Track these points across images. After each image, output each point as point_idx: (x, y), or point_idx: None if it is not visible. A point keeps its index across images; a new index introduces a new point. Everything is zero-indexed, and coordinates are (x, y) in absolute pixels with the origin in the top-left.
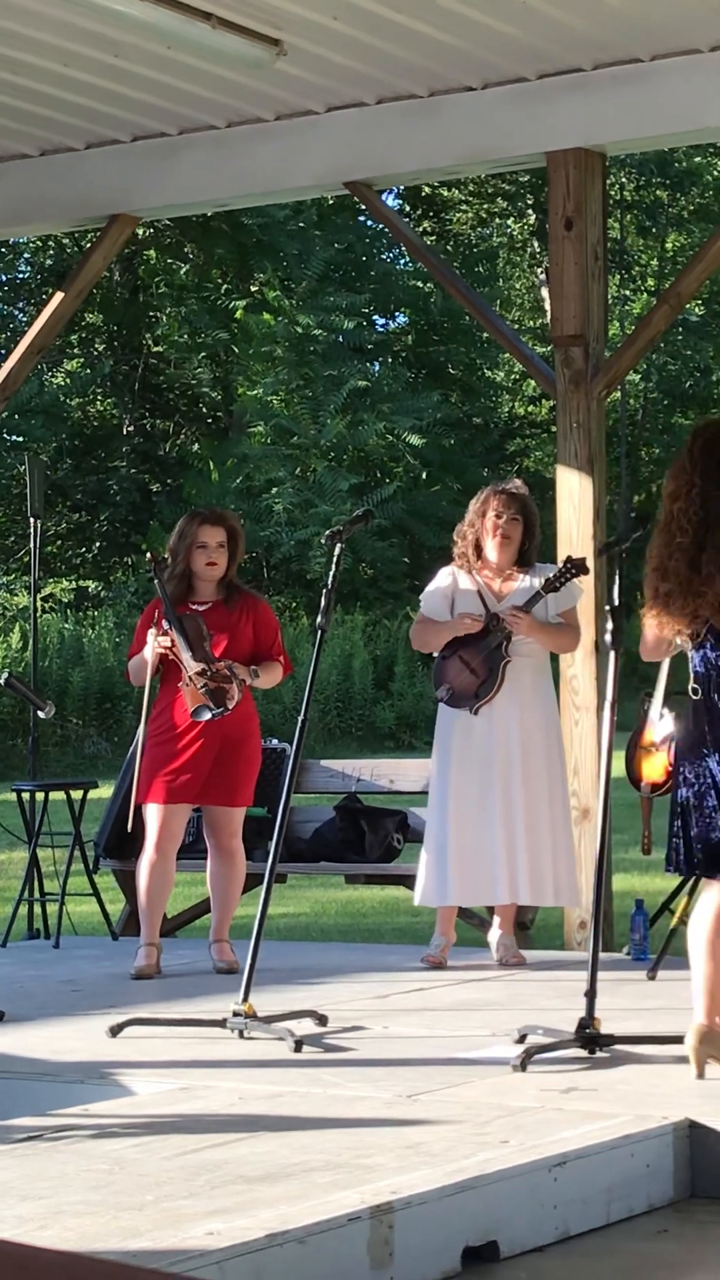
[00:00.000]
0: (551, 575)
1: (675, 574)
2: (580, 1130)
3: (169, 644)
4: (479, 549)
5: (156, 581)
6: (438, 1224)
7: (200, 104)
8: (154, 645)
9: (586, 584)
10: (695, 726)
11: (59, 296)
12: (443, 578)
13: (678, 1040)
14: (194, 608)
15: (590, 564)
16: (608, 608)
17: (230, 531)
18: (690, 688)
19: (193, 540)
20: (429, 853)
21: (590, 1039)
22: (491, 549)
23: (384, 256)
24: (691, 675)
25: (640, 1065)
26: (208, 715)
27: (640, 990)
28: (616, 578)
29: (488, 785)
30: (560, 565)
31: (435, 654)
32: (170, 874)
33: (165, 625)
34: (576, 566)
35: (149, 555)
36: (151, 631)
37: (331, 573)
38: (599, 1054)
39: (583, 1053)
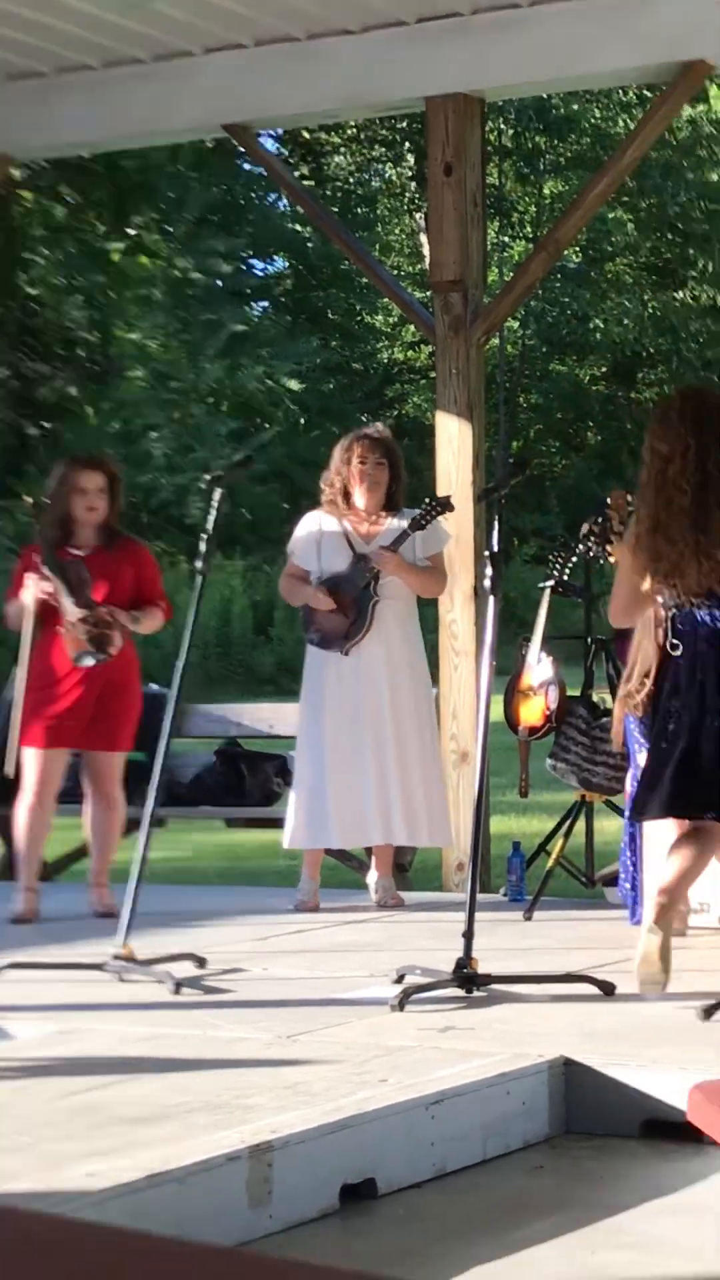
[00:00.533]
0: (417, 514)
1: (681, 537)
2: (457, 1069)
3: (50, 589)
4: (347, 495)
5: (37, 527)
6: (316, 1162)
7: (77, 44)
8: (33, 590)
9: (466, 530)
10: (674, 681)
11: None
12: (308, 523)
13: (554, 979)
14: (74, 553)
15: (470, 509)
16: (487, 553)
17: (109, 476)
18: (670, 643)
19: (71, 485)
20: (300, 796)
21: (467, 979)
22: (359, 494)
23: (263, 201)
24: (670, 632)
25: (517, 1004)
26: (90, 661)
27: (517, 931)
28: (495, 523)
29: (359, 727)
30: (424, 504)
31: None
32: (48, 819)
33: (45, 570)
34: (441, 504)
35: (29, 501)
36: (31, 577)
37: (211, 518)
38: (476, 993)
39: (460, 992)
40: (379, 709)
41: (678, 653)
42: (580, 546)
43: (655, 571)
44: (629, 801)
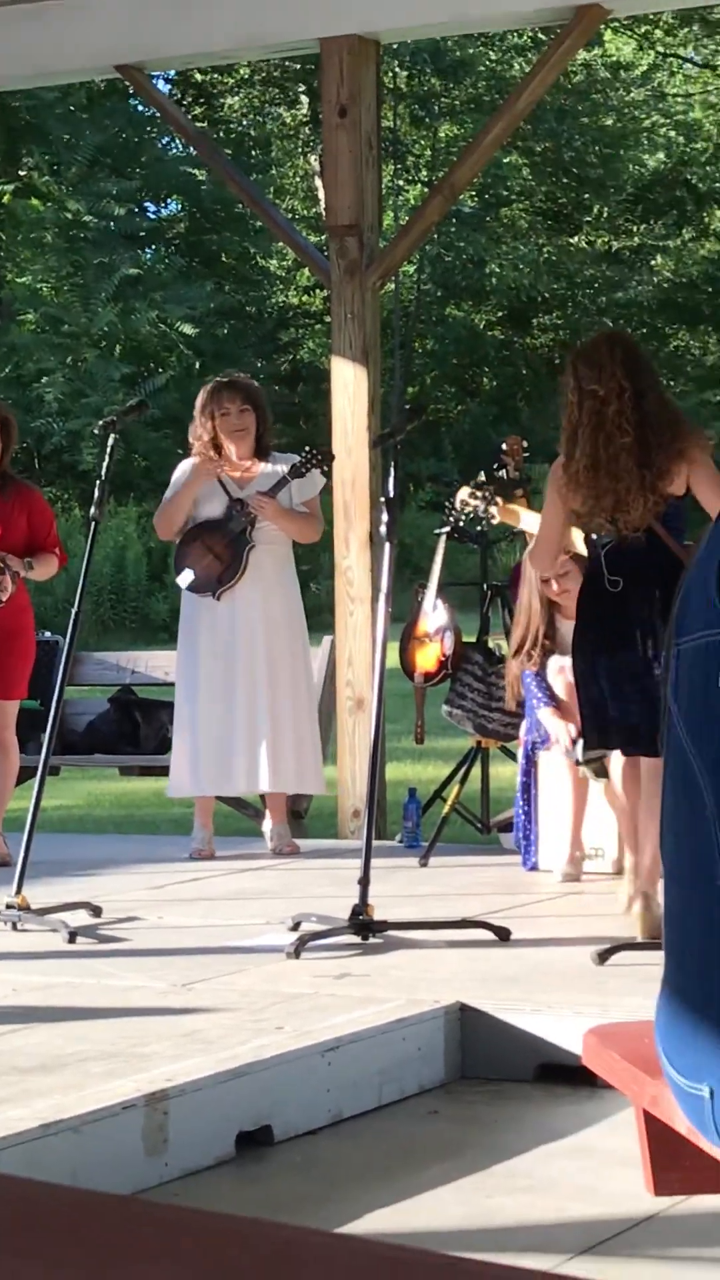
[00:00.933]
0: (296, 462)
1: (628, 473)
2: (353, 1015)
3: None
4: (217, 447)
5: None
6: (212, 1110)
7: None
8: None
9: (361, 476)
10: (616, 616)
11: None
12: (183, 468)
13: (449, 925)
14: None
15: (365, 454)
16: (382, 499)
17: (2, 422)
18: (609, 580)
19: None
20: (180, 743)
21: (363, 925)
22: (229, 444)
23: (155, 143)
24: (606, 570)
25: (412, 950)
26: None
27: (412, 877)
28: (391, 469)
29: (233, 673)
30: (303, 452)
31: (176, 541)
32: None
33: None
34: (322, 455)
35: None
36: None
37: (105, 463)
38: (372, 940)
39: (356, 939)
40: (253, 656)
41: (617, 589)
42: (472, 500)
43: (597, 508)
44: (524, 749)
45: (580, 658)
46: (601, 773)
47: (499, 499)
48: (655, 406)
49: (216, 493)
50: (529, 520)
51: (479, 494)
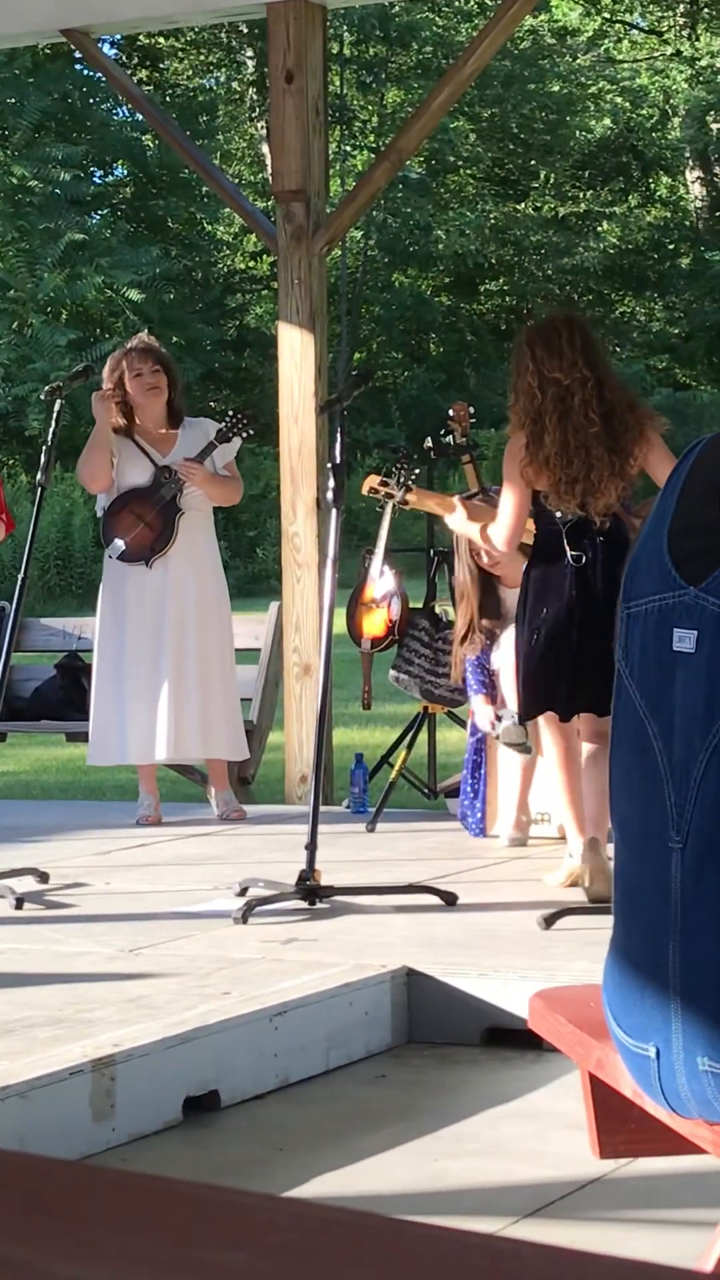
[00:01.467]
0: (223, 426)
1: (599, 460)
2: (300, 980)
3: None
4: (128, 413)
5: None
6: (159, 1075)
7: None
8: None
9: (309, 442)
10: (577, 591)
11: None
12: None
13: (396, 890)
14: None
15: (312, 421)
16: (329, 465)
17: None
18: (572, 555)
19: None
20: (99, 711)
21: (310, 890)
22: (142, 407)
23: (102, 107)
24: (570, 545)
25: (360, 915)
26: None
27: (359, 842)
28: (339, 435)
29: (161, 641)
30: (229, 417)
31: (102, 510)
32: None
33: None
34: (247, 418)
35: None
36: None
37: (51, 429)
38: (319, 905)
39: (303, 904)
40: (184, 624)
41: (580, 563)
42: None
43: (569, 493)
44: (472, 731)
45: (527, 629)
46: (526, 749)
47: (410, 485)
48: (615, 393)
49: (139, 459)
50: (436, 507)
51: (389, 483)
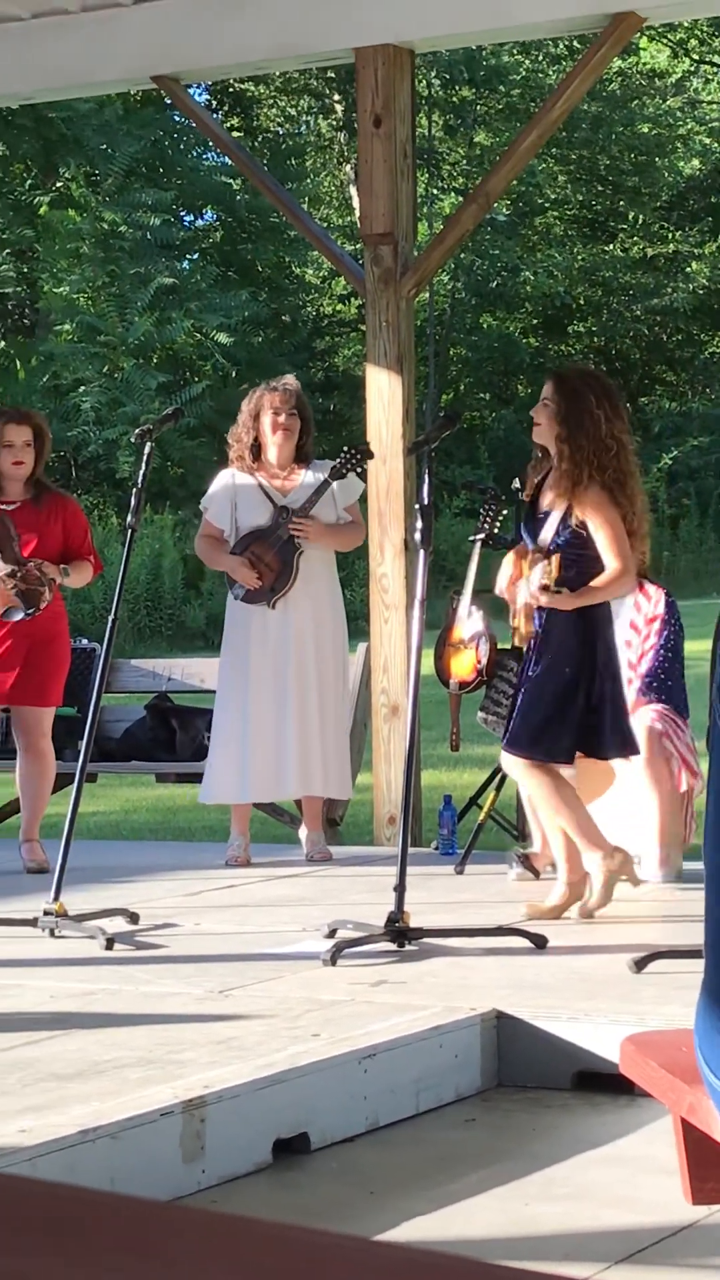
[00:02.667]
0: (336, 464)
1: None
2: (390, 1022)
3: None
4: (257, 451)
5: None
6: (249, 1117)
7: None
8: None
9: (396, 483)
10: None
11: None
12: (222, 480)
13: (485, 932)
14: (2, 508)
15: (400, 462)
16: (417, 506)
17: (36, 430)
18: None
19: None
20: (220, 751)
21: (399, 932)
22: (272, 447)
23: (192, 152)
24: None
25: (448, 958)
26: (19, 616)
27: (448, 884)
28: (426, 476)
29: (284, 680)
30: (343, 453)
31: (208, 550)
32: None
33: None
34: (361, 453)
35: None
36: None
37: (141, 471)
38: (408, 947)
39: (392, 946)
40: (305, 661)
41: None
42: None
43: (640, 546)
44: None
45: (582, 675)
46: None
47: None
48: None
49: (260, 500)
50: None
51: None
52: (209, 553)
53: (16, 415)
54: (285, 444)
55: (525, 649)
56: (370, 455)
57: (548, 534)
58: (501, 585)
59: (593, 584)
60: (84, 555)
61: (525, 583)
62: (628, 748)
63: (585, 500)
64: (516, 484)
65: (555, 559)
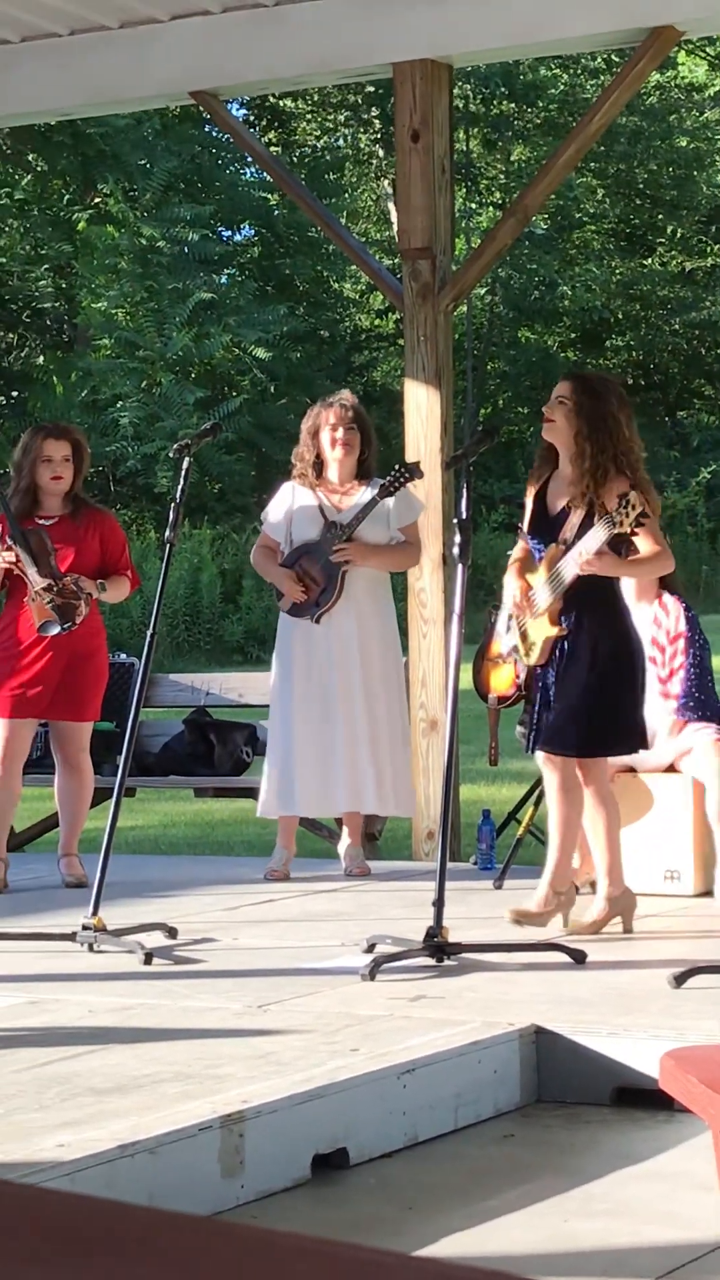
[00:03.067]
0: (385, 481)
1: None
2: (428, 1037)
3: (13, 559)
4: (319, 467)
5: (0, 498)
6: (288, 1132)
7: (43, 10)
8: None
9: (434, 497)
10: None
11: None
12: (282, 494)
13: (524, 947)
14: (40, 522)
15: (438, 476)
16: (455, 521)
17: (75, 445)
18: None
19: (37, 454)
20: (272, 764)
21: (438, 947)
22: (332, 462)
23: (229, 168)
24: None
25: (487, 973)
26: (55, 630)
27: (487, 899)
28: (464, 491)
29: (330, 694)
30: (394, 470)
31: (261, 561)
32: (16, 789)
33: (9, 541)
34: (410, 470)
35: None
36: None
37: (180, 486)
38: (447, 962)
39: (431, 961)
40: (350, 678)
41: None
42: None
43: None
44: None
45: (634, 669)
46: None
47: None
48: None
49: (314, 515)
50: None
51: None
52: (262, 563)
53: (55, 430)
54: (345, 459)
55: (555, 651)
56: (419, 474)
57: (569, 534)
58: (508, 604)
59: (635, 557)
60: (121, 570)
61: (575, 554)
62: (641, 742)
63: (613, 490)
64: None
65: (634, 495)
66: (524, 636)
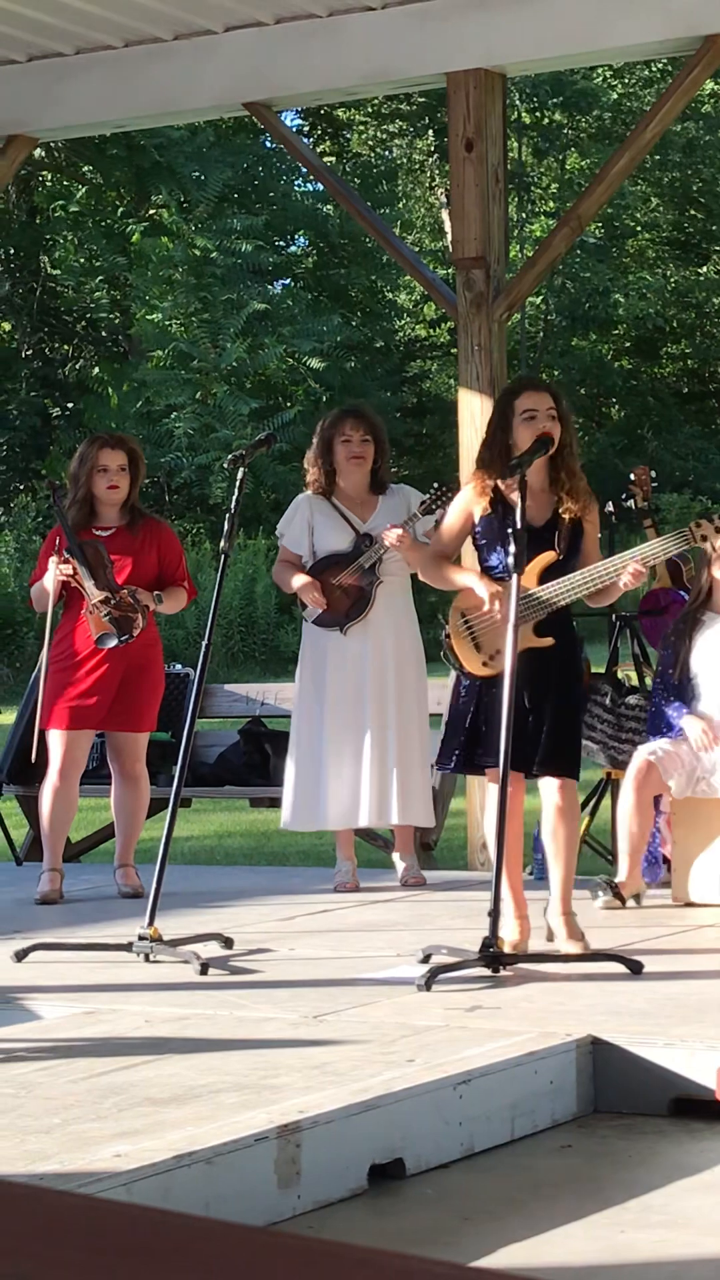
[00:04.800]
0: (427, 498)
1: None
2: (485, 1048)
3: (70, 572)
4: (332, 476)
5: (56, 508)
6: (344, 1143)
7: (98, 23)
8: (55, 573)
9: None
10: None
11: None
12: (297, 507)
13: (580, 958)
14: (97, 533)
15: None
16: (509, 531)
17: (131, 454)
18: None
19: (93, 464)
20: (296, 776)
21: (494, 958)
22: (348, 474)
23: (283, 178)
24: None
25: (543, 983)
26: (112, 643)
27: (543, 909)
28: (519, 501)
29: (361, 708)
30: (434, 489)
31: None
32: (73, 800)
33: (66, 553)
34: (450, 490)
35: (47, 482)
36: (53, 559)
37: (234, 497)
38: (503, 972)
39: (486, 971)
40: (383, 690)
41: None
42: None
43: None
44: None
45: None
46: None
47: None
48: None
49: (340, 525)
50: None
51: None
52: (283, 576)
53: (112, 440)
54: (358, 471)
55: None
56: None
57: (563, 544)
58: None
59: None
60: (178, 581)
61: (631, 565)
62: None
63: (593, 507)
64: (610, 507)
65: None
66: (478, 645)
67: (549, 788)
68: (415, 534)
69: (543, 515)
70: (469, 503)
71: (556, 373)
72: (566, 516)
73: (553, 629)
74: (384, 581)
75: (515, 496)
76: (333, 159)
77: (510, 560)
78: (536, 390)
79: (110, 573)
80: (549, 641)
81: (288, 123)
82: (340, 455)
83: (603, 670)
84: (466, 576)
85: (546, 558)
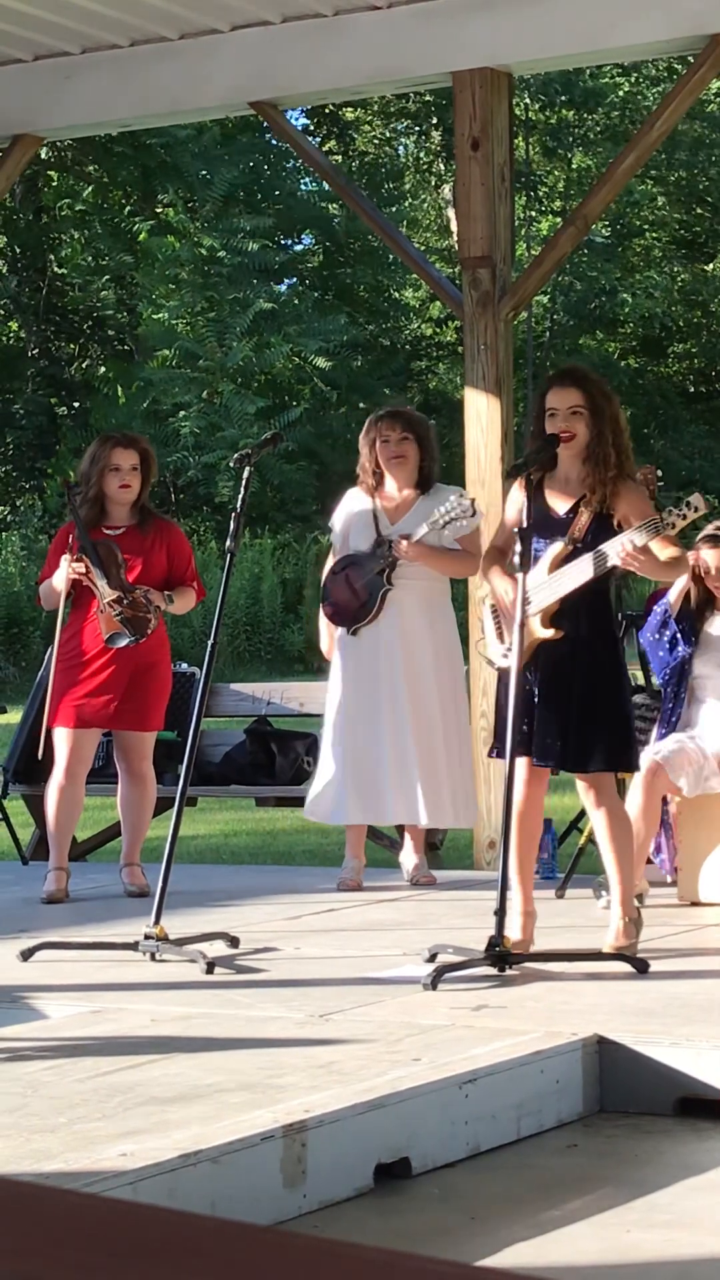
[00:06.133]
0: (443, 511)
1: None
2: (491, 1047)
3: (83, 570)
4: (379, 475)
5: (71, 506)
6: (350, 1142)
7: (104, 22)
8: (66, 571)
9: (494, 507)
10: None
11: None
12: (344, 500)
13: (587, 957)
14: (107, 532)
15: (498, 485)
16: (516, 530)
17: (143, 454)
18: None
19: (105, 463)
20: (323, 768)
21: (500, 957)
22: (390, 473)
23: (289, 177)
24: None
25: (549, 982)
26: (124, 642)
27: (549, 908)
28: (526, 501)
29: (375, 704)
30: (450, 504)
31: (327, 570)
32: (79, 798)
33: (80, 551)
34: (469, 508)
35: (61, 480)
36: (65, 557)
37: (240, 496)
38: (509, 972)
39: (492, 971)
40: (395, 689)
41: None
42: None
43: None
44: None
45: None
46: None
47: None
48: None
49: (367, 526)
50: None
51: None
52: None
53: (123, 439)
54: (400, 470)
55: (537, 655)
56: (477, 513)
57: (578, 533)
58: (497, 602)
59: (669, 559)
60: (188, 581)
61: (617, 547)
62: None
63: (625, 492)
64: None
65: (697, 498)
66: (500, 636)
67: (579, 786)
68: (438, 540)
69: (564, 506)
70: (515, 497)
71: None
72: (585, 508)
73: (580, 620)
74: (395, 588)
75: (542, 493)
76: (339, 158)
77: (516, 559)
78: (562, 387)
79: (123, 572)
80: (553, 634)
81: (294, 122)
82: (381, 456)
83: None
84: (494, 575)
85: (561, 551)
